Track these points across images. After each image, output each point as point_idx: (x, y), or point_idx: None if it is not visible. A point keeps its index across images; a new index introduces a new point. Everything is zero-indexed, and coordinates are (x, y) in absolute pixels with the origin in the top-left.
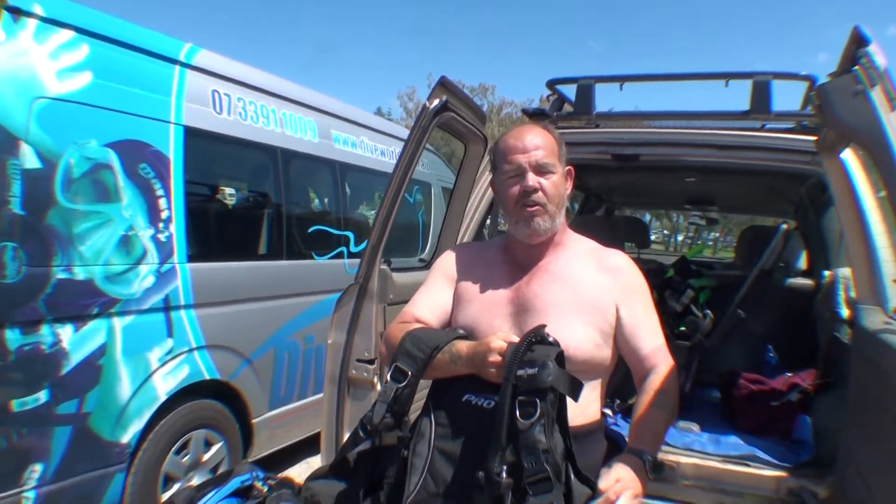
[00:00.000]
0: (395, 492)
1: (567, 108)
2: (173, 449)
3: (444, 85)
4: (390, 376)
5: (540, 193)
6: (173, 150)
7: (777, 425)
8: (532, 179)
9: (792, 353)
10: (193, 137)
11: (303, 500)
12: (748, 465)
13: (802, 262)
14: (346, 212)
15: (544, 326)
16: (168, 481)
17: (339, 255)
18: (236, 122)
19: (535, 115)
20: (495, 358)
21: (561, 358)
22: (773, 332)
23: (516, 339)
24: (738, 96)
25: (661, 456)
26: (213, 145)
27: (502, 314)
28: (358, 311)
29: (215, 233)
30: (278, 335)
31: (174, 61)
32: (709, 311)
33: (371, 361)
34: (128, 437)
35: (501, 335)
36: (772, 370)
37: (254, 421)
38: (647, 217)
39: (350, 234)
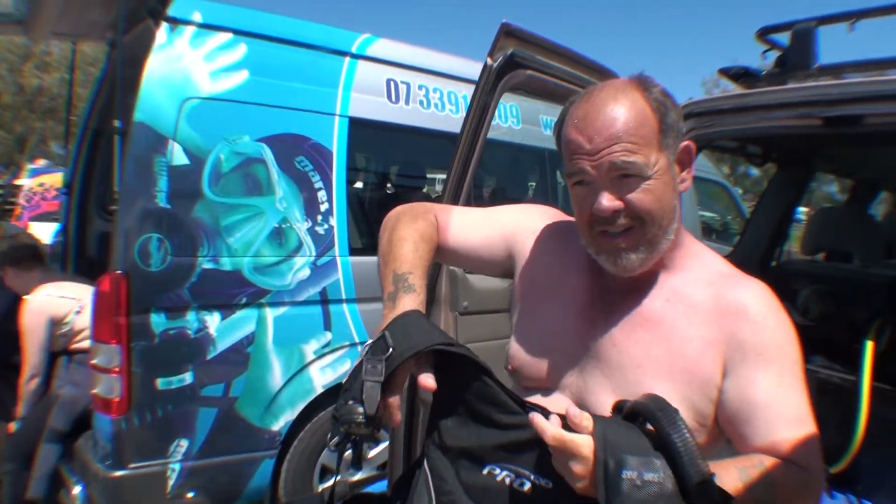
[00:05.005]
0: None
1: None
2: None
3: (509, 34)
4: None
5: (624, 220)
6: (336, 141)
7: None
8: (607, 201)
9: None
10: (361, 128)
11: None
12: None
13: None
14: (557, 204)
15: (668, 405)
16: (325, 473)
17: None
18: (415, 110)
19: (738, 78)
20: (581, 469)
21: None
22: None
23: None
24: None
25: None
26: (385, 136)
27: (562, 359)
28: None
29: None
30: None
31: (343, 53)
32: None
33: None
34: (279, 425)
35: (585, 429)
36: None
37: None
38: None
39: None
